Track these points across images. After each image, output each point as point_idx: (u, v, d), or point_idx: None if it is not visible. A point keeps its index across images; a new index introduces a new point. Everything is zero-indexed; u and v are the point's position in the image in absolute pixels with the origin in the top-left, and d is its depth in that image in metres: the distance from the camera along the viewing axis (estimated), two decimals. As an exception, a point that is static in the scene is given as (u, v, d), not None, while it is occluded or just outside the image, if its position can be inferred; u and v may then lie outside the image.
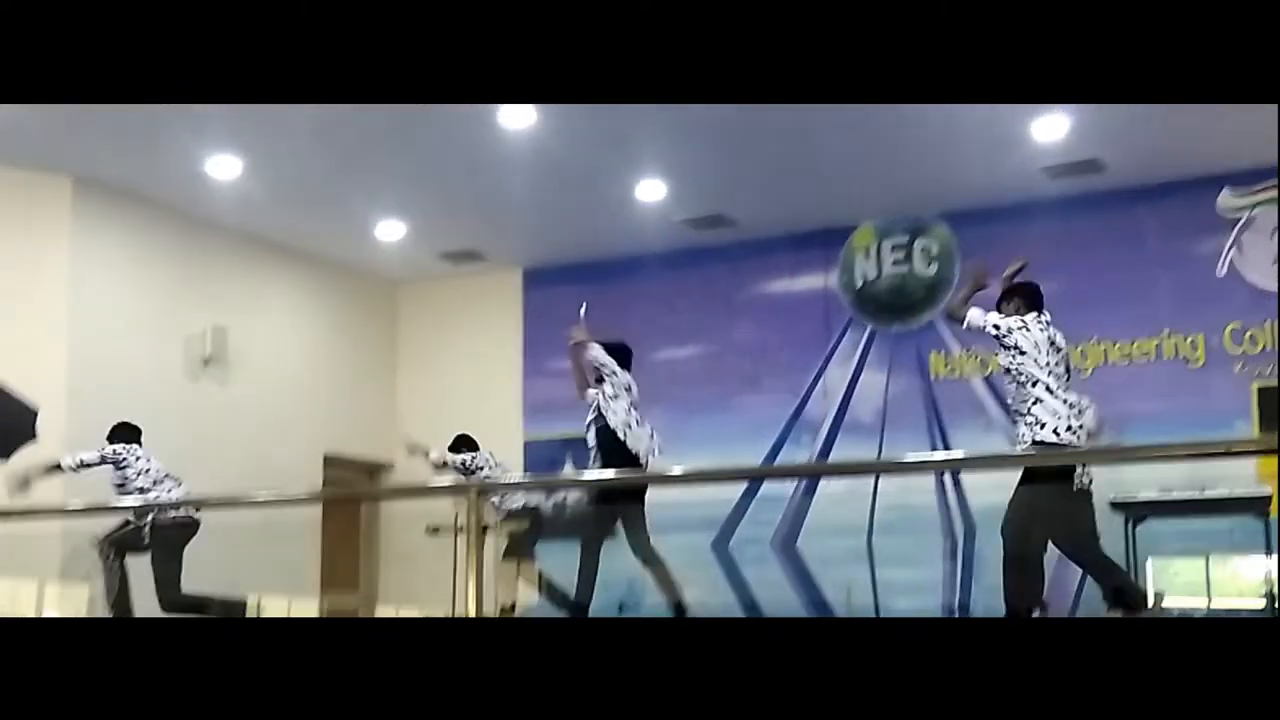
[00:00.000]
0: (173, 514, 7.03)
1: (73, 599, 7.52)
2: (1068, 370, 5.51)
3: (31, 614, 7.32)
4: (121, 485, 7.12)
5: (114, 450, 7.12)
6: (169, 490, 7.14)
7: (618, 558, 9.57)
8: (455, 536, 7.11)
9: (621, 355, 6.72)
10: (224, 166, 8.32)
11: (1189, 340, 8.59)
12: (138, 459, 7.13)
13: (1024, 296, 5.72)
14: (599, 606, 7.81)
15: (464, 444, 8.36)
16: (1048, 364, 5.36)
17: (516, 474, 8.88)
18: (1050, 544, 5.36)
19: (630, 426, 6.53)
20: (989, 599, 6.67)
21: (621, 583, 8.92)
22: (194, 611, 6.98)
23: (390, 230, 9.75)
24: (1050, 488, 5.27)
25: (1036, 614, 5.40)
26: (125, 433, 7.27)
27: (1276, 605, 6.47)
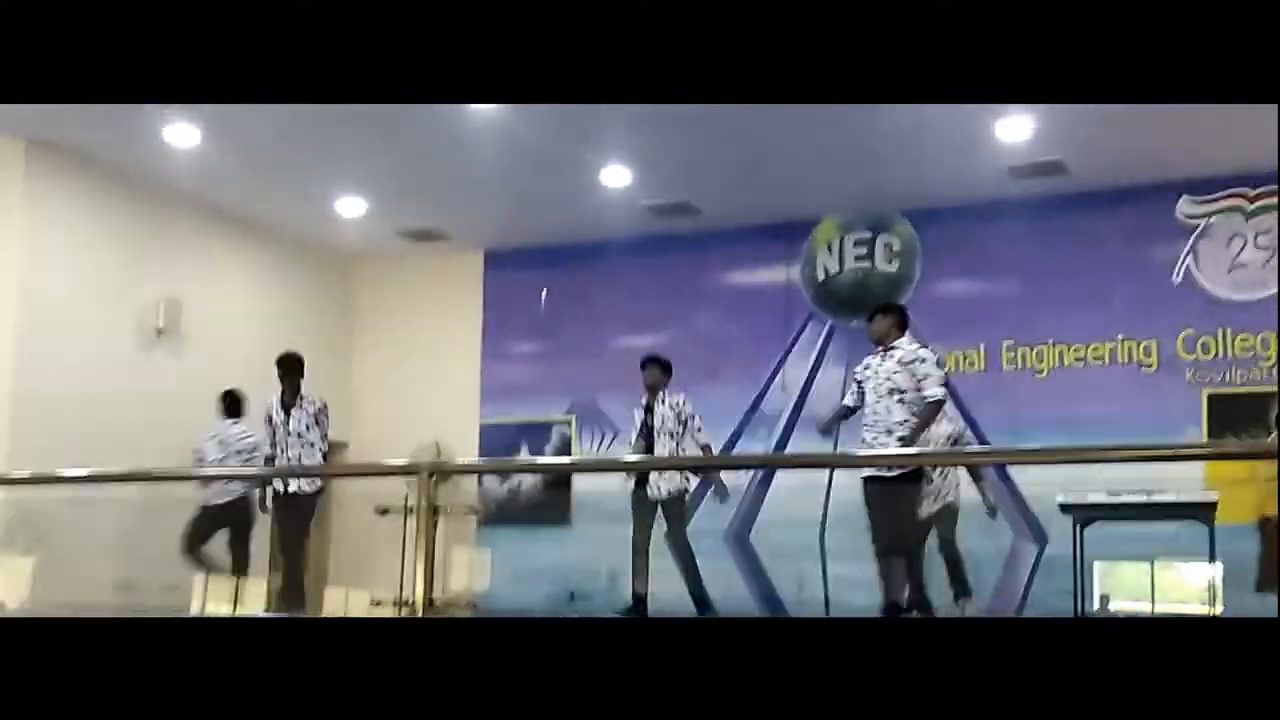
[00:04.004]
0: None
1: (14, 573, 7.38)
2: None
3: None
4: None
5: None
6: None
7: (572, 547, 9.54)
8: (405, 518, 7.06)
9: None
10: (183, 134, 8.18)
11: (1143, 346, 8.68)
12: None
13: (900, 315, 6.52)
14: (550, 596, 7.75)
15: None
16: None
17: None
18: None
19: None
20: (939, 597, 6.71)
21: (573, 573, 8.88)
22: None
23: (351, 206, 9.65)
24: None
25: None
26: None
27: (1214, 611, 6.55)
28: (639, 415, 7.54)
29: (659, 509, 7.26)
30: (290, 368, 7.68)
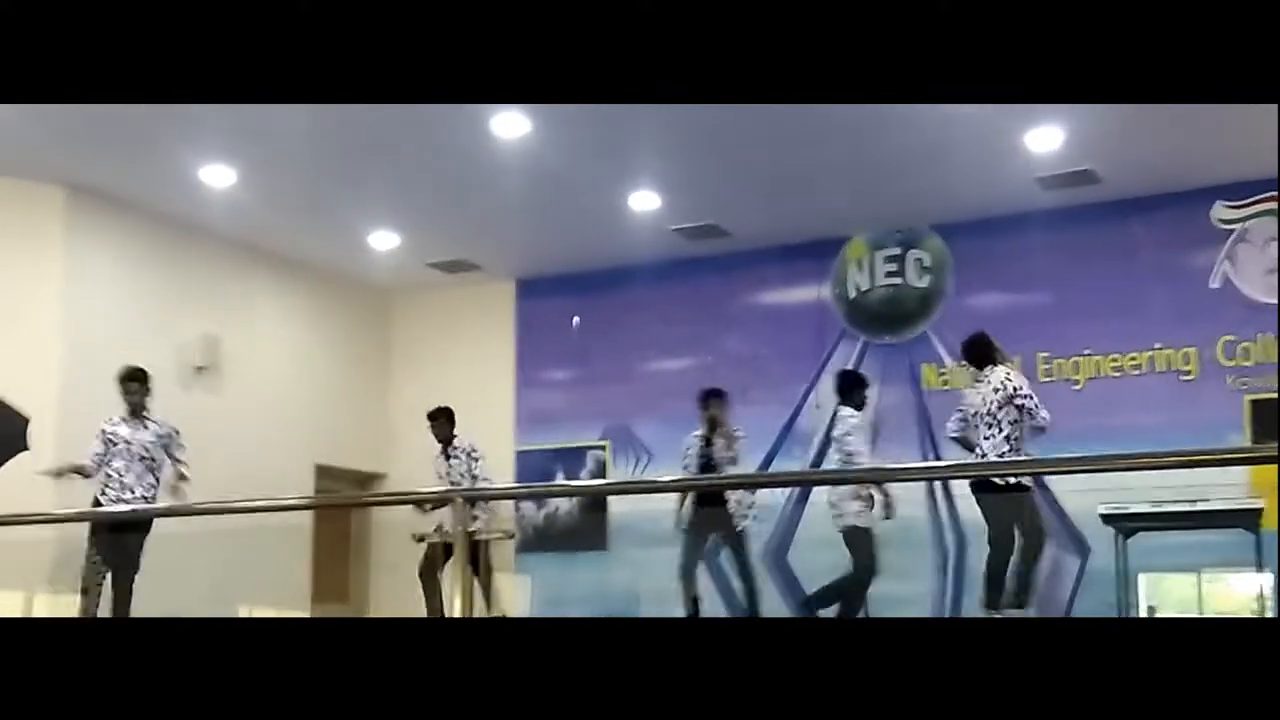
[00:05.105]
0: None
1: (62, 609, 7.46)
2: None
3: (19, 623, 7.25)
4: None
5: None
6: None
7: (610, 572, 9.52)
8: (443, 545, 7.10)
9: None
10: (218, 175, 8.32)
11: (1181, 353, 8.58)
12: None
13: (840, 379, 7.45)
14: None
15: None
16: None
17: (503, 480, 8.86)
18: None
19: None
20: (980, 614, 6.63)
21: (612, 597, 8.87)
22: None
23: (384, 240, 9.75)
24: None
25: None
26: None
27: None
28: (695, 442, 7.43)
29: (720, 537, 7.33)
30: (439, 419, 8.10)
